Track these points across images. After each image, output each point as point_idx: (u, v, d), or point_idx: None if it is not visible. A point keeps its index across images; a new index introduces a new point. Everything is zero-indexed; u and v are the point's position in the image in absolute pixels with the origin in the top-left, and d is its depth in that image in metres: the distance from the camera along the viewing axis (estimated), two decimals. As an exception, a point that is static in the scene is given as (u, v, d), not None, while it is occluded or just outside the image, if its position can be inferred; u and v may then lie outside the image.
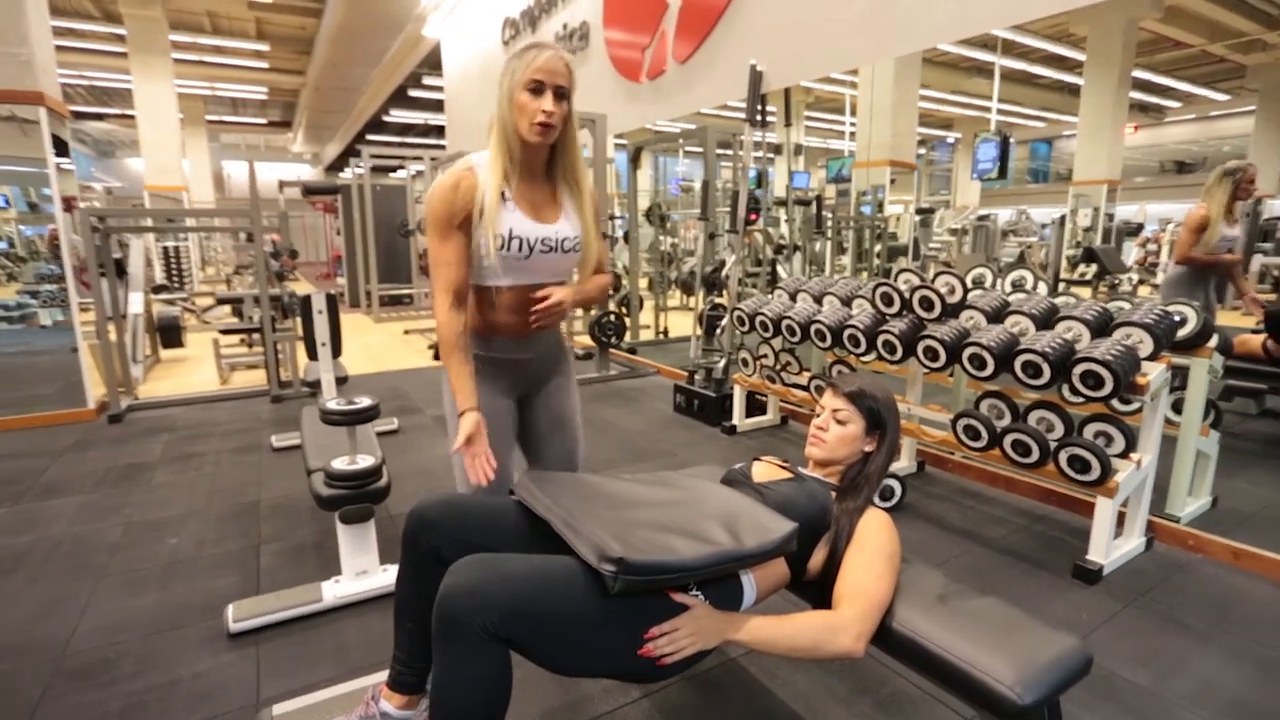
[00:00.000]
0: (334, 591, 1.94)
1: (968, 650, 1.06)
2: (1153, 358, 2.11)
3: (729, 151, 6.31)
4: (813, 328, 2.99)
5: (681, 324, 7.30)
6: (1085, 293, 7.98)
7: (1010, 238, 11.16)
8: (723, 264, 4.34)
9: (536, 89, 1.26)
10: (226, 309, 6.31)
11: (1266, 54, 11.95)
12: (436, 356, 1.47)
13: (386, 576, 2.00)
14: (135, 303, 5.07)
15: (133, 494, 2.82)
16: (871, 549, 1.19)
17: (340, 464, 1.91)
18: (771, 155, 3.97)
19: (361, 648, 1.76)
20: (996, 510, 2.64)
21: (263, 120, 18.70)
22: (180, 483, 2.95)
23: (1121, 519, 2.22)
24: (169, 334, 5.55)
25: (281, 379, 4.51)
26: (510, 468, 1.56)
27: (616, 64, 5.54)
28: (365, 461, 1.93)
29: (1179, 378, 2.34)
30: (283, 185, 6.06)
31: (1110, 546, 2.12)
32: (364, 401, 1.93)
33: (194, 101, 14.78)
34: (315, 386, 3.27)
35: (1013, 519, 2.56)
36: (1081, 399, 2.15)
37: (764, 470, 1.39)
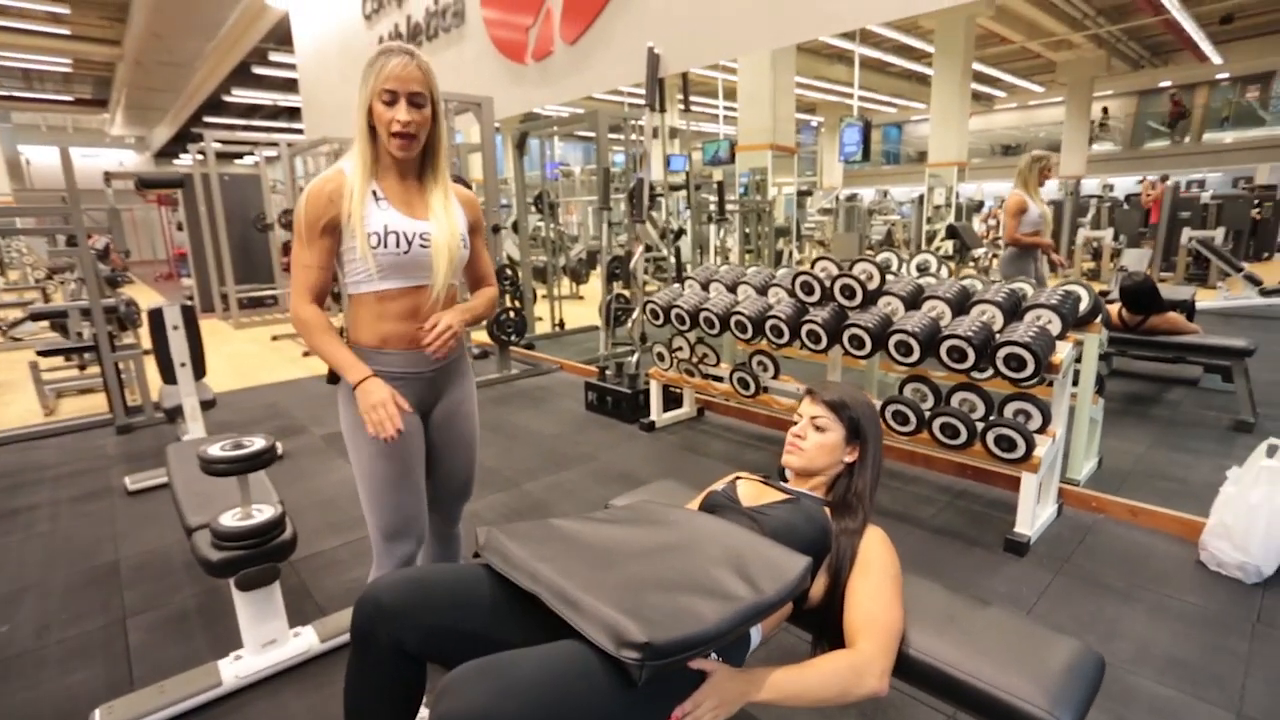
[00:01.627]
0: (235, 671, 1.62)
1: (992, 673, 1.01)
2: (1062, 336, 2.24)
3: (619, 136, 6.17)
4: (732, 319, 2.94)
5: (576, 314, 7.11)
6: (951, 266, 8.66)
7: (876, 216, 11.95)
8: (629, 255, 4.21)
9: (390, 100, 1.24)
10: (43, 324, 5.34)
11: (1072, 52, 13.71)
12: (330, 379, 1.28)
13: (300, 642, 1.71)
14: (-84, 324, 4.14)
15: (-62, 570, 2.27)
16: (876, 573, 1.12)
17: (231, 519, 1.59)
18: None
19: (280, 736, 1.48)
20: (920, 489, 2.73)
21: (69, 98, 16.09)
22: (4, 549, 2.41)
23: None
24: (-33, 358, 4.60)
25: (128, 404, 3.86)
26: (424, 498, 1.44)
27: (499, 44, 5.21)
28: (263, 513, 1.62)
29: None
30: (110, 177, 5.12)
31: (1034, 518, 2.24)
32: (256, 443, 1.61)
33: (-30, 73, 12.43)
34: (174, 414, 2.80)
35: (937, 497, 2.65)
36: (990, 374, 2.24)
37: (751, 491, 1.28)
